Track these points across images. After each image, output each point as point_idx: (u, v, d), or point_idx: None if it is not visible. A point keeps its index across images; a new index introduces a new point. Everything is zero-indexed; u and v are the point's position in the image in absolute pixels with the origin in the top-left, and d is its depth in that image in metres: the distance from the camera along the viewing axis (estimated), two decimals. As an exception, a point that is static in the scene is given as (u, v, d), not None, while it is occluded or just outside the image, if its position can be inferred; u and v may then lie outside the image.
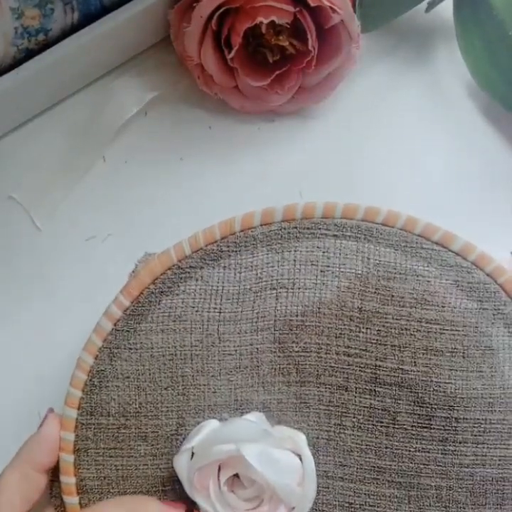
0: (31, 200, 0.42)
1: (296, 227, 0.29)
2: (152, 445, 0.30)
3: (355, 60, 0.44)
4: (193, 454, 0.28)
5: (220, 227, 0.30)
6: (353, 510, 0.29)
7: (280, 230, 0.29)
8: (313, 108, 0.47)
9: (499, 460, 0.29)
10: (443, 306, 0.28)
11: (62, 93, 0.44)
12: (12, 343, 0.40)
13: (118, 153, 0.44)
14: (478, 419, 0.28)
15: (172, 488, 0.30)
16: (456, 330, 0.28)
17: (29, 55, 0.41)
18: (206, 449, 0.28)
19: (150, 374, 0.29)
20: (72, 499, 0.30)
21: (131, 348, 0.29)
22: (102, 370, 0.30)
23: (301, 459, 0.28)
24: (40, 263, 0.42)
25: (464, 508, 0.29)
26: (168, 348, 0.29)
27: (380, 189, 0.45)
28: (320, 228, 0.29)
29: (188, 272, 0.29)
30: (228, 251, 0.29)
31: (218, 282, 0.29)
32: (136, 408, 0.29)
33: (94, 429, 0.30)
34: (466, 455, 0.28)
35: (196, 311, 0.29)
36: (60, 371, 0.36)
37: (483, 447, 0.29)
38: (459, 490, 0.29)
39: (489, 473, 0.29)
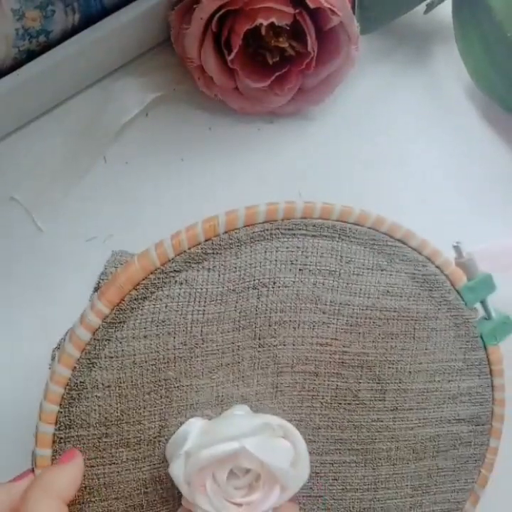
0: (33, 201, 0.43)
1: (278, 228, 0.30)
2: (134, 450, 0.29)
3: (354, 61, 0.44)
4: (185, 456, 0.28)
5: (203, 228, 0.29)
6: (318, 479, 0.32)
7: (263, 231, 0.30)
8: (313, 109, 0.47)
9: (436, 421, 0.33)
10: (401, 296, 0.32)
11: (63, 94, 0.44)
12: (13, 344, 0.40)
13: (119, 153, 0.44)
14: (421, 388, 0.33)
15: (154, 488, 0.30)
16: (410, 316, 0.32)
17: (30, 56, 0.41)
18: (206, 449, 0.28)
19: (132, 381, 0.29)
20: None
21: (111, 357, 0.29)
22: (81, 382, 0.28)
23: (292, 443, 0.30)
24: (42, 263, 0.42)
25: (408, 463, 0.33)
26: (151, 353, 0.29)
27: (378, 189, 0.46)
28: (300, 229, 0.30)
29: (172, 276, 0.29)
30: (212, 253, 0.29)
31: (202, 284, 0.29)
32: (117, 416, 0.29)
33: (74, 441, 0.29)
34: (411, 420, 0.33)
35: (180, 315, 0.29)
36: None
37: (424, 412, 0.33)
38: (404, 449, 0.33)
39: (428, 433, 0.33)
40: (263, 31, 0.41)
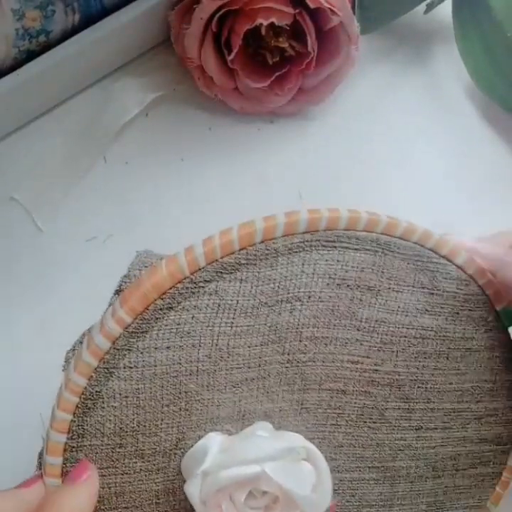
0: (33, 201, 0.42)
1: (318, 240, 0.28)
2: (149, 461, 0.28)
3: (354, 61, 0.44)
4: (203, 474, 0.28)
5: (239, 236, 0.27)
6: (336, 495, 0.31)
7: (303, 242, 0.28)
8: (313, 109, 0.47)
9: (458, 440, 0.32)
10: (439, 315, 0.30)
11: (63, 94, 0.44)
12: (13, 343, 0.40)
13: (119, 153, 0.44)
14: (449, 408, 0.32)
15: (166, 500, 0.29)
16: (446, 336, 0.31)
17: (30, 56, 0.41)
18: (225, 470, 0.27)
19: (151, 392, 0.28)
20: None
21: (131, 367, 0.27)
22: (97, 392, 0.27)
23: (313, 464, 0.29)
24: (42, 263, 0.42)
25: (426, 481, 0.32)
26: (173, 364, 0.27)
27: (378, 190, 0.46)
28: (342, 241, 0.28)
29: (202, 286, 0.27)
30: (246, 264, 0.27)
31: (233, 296, 0.27)
32: (133, 427, 0.28)
33: (86, 450, 0.28)
34: (434, 439, 0.32)
35: (207, 327, 0.27)
36: (61, 372, 0.36)
37: (449, 431, 0.32)
38: (424, 467, 0.32)
39: (449, 452, 0.32)
40: (263, 31, 0.41)
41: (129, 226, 0.43)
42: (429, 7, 0.47)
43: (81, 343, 0.28)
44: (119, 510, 0.29)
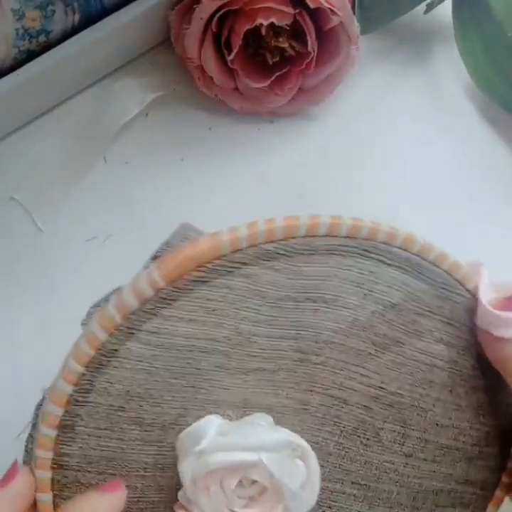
0: (33, 201, 0.43)
1: (356, 247, 0.29)
2: (146, 431, 0.29)
3: (354, 61, 0.44)
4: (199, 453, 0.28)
5: (286, 227, 0.28)
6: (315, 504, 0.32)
7: (341, 246, 0.28)
8: (313, 109, 0.47)
9: (444, 476, 0.32)
10: (452, 347, 0.31)
11: (63, 94, 0.44)
12: (12, 343, 0.40)
13: (119, 154, 0.44)
14: (443, 443, 0.32)
15: (153, 474, 0.29)
16: (455, 368, 0.31)
17: (30, 56, 0.41)
18: (221, 453, 0.27)
19: (165, 362, 0.28)
20: (44, 474, 0.28)
21: (153, 332, 0.27)
22: (114, 350, 0.27)
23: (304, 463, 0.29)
24: (42, 263, 0.42)
25: (404, 510, 0.32)
26: (192, 338, 0.28)
27: (378, 190, 0.46)
28: (378, 254, 0.29)
29: (237, 267, 0.28)
30: (285, 255, 0.28)
31: (265, 284, 0.28)
32: (139, 393, 0.28)
33: (88, 407, 0.28)
34: (421, 470, 0.32)
35: (233, 308, 0.28)
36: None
37: (438, 465, 0.32)
38: (405, 496, 0.32)
39: (433, 485, 0.32)
40: (263, 31, 0.41)
41: (129, 226, 0.43)
42: (429, 7, 0.47)
43: (106, 301, 0.28)
44: (105, 475, 0.29)
